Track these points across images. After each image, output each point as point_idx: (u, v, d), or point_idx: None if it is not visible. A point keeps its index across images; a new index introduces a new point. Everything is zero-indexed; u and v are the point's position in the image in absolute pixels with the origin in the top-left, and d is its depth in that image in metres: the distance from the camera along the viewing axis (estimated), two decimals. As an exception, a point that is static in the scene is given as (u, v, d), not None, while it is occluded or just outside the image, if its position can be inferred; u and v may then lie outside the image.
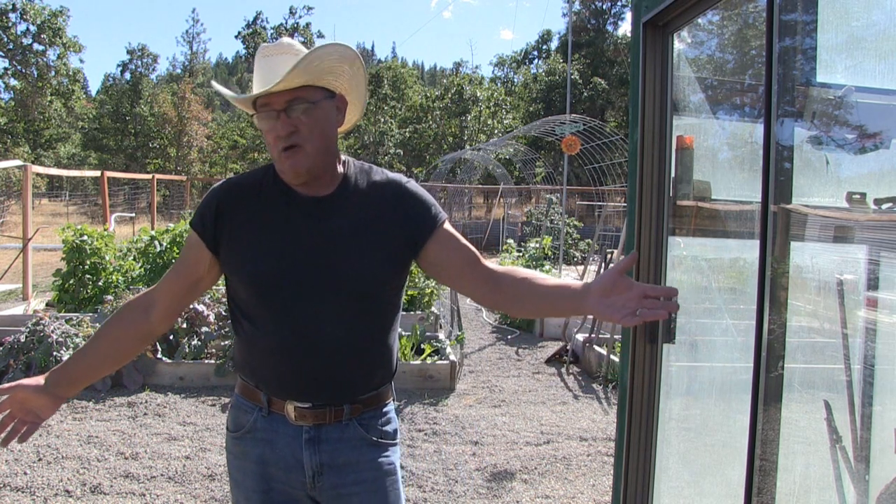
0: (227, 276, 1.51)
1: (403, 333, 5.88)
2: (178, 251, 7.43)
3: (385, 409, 1.56)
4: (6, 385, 1.46)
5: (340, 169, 1.49)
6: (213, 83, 1.52)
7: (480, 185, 26.72)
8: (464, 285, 1.51)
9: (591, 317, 6.59)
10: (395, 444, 1.57)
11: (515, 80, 42.82)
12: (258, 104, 1.41)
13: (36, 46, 32.47)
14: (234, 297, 1.51)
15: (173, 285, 1.53)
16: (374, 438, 1.52)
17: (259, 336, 1.45)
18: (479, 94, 33.44)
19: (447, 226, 1.51)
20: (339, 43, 1.41)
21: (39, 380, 1.48)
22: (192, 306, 5.78)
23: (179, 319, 5.66)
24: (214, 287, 7.51)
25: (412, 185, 1.53)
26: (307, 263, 1.41)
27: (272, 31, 51.15)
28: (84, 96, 39.47)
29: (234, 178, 1.55)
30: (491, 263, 1.51)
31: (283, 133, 1.37)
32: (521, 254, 8.79)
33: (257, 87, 1.41)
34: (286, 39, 1.46)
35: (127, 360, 1.59)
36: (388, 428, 1.55)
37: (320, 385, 1.45)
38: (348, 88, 1.49)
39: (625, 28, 38.50)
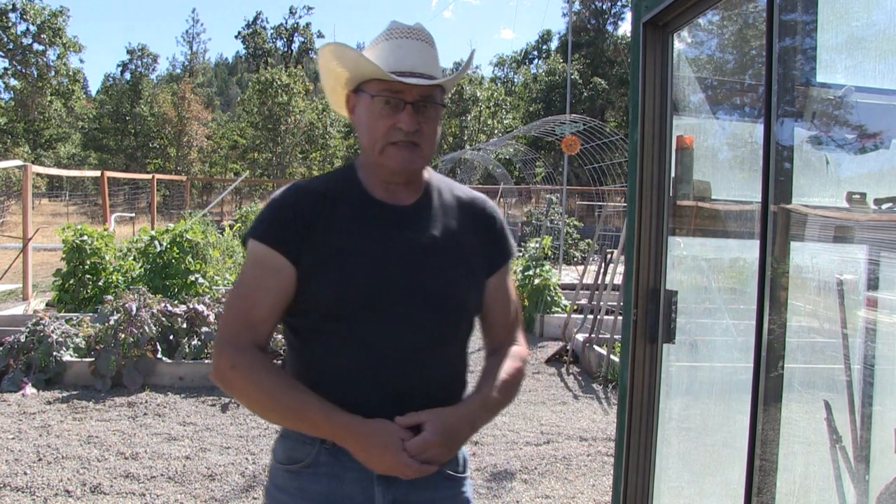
0: (300, 292, 1.32)
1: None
2: (178, 251, 7.42)
3: None
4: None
5: (426, 176, 1.41)
6: (339, 44, 1.29)
7: (480, 185, 26.69)
8: (482, 326, 1.48)
9: (590, 316, 6.60)
10: (467, 477, 1.45)
11: (515, 80, 42.85)
12: (376, 86, 1.28)
13: (36, 46, 32.51)
14: (302, 316, 1.33)
15: (277, 313, 1.32)
16: (450, 472, 1.39)
17: (339, 362, 1.30)
18: (479, 95, 33.46)
19: (511, 263, 1.48)
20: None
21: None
22: (192, 306, 5.77)
23: (179, 319, 5.65)
24: (215, 287, 7.51)
25: (496, 209, 1.48)
26: (401, 278, 1.30)
27: (272, 30, 51.20)
28: (84, 96, 39.52)
29: (303, 184, 1.38)
30: (518, 335, 1.49)
31: (409, 129, 1.27)
32: (521, 254, 8.79)
33: (391, 67, 1.27)
34: (421, 26, 1.33)
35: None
36: (461, 458, 1.43)
37: (404, 413, 1.30)
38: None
39: (625, 28, 38.54)
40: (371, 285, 1.29)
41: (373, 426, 1.24)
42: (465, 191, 1.46)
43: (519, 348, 1.46)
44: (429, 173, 1.42)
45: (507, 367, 1.40)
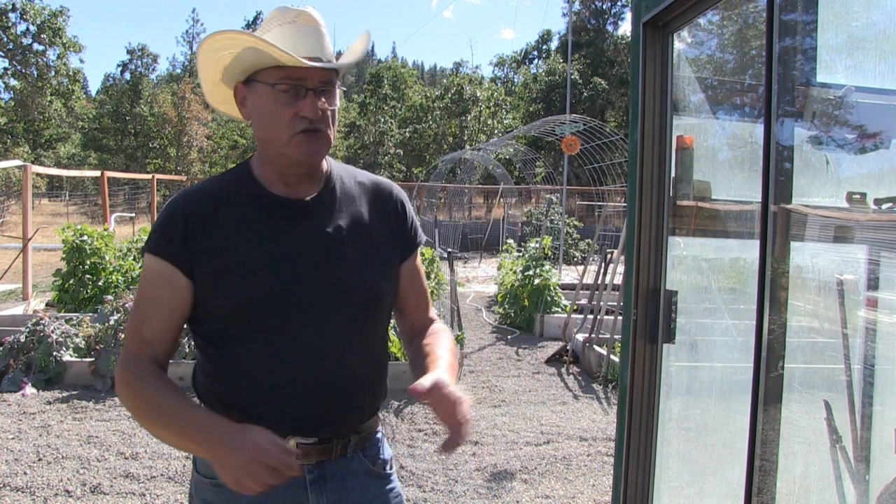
0: (202, 301, 1.27)
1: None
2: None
3: (379, 435, 1.45)
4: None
5: (325, 166, 1.36)
6: (235, 31, 1.22)
7: (480, 185, 26.72)
8: (398, 312, 1.46)
9: (591, 316, 6.60)
10: (393, 472, 1.46)
11: (515, 80, 42.84)
12: (275, 74, 1.22)
13: (36, 46, 32.46)
14: (208, 323, 1.29)
15: (174, 326, 1.28)
16: (379, 470, 1.40)
17: (256, 366, 1.26)
18: (479, 94, 33.46)
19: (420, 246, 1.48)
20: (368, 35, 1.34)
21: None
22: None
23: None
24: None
25: (402, 193, 1.45)
26: (311, 277, 1.26)
27: (272, 31, 51.10)
28: (84, 96, 39.45)
29: (195, 188, 1.32)
30: (434, 314, 1.50)
31: (313, 115, 1.22)
32: (521, 254, 8.79)
33: (295, 52, 1.20)
34: (312, 9, 1.28)
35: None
36: (387, 455, 1.44)
37: (330, 416, 1.28)
38: None
39: (625, 28, 38.52)
40: (280, 288, 1.24)
41: (240, 427, 1.13)
42: (368, 176, 1.43)
43: (441, 324, 1.48)
44: (328, 162, 1.37)
45: (444, 341, 1.40)
